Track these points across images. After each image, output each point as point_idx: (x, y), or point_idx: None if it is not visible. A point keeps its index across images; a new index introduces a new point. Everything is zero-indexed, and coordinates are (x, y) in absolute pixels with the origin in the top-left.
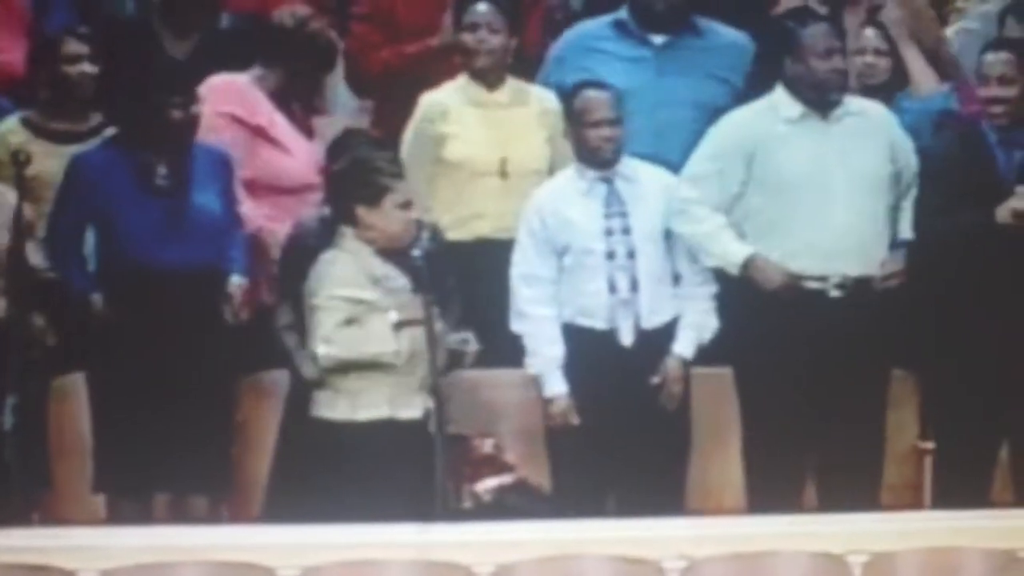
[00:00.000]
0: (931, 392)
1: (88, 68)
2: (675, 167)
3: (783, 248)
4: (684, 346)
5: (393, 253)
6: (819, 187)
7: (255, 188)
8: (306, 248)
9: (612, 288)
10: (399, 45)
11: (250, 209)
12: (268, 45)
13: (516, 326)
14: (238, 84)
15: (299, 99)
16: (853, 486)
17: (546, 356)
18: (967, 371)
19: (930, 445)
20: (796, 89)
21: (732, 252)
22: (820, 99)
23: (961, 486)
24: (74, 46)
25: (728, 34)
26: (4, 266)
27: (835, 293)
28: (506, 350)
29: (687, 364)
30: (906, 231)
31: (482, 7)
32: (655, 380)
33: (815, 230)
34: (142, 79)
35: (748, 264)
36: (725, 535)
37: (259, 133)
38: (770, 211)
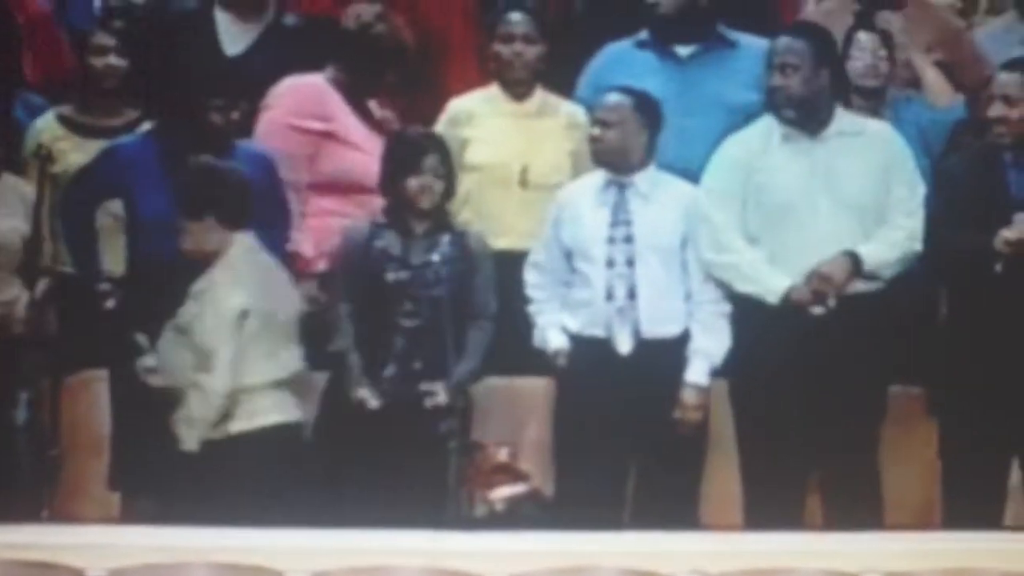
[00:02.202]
0: (939, 410)
1: (114, 60)
2: (699, 175)
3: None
4: (697, 374)
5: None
6: (802, 206)
7: (333, 189)
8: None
9: (609, 295)
10: None
11: (330, 209)
12: (333, 46)
13: (528, 307)
14: (309, 86)
15: (371, 96)
16: (854, 503)
17: (544, 323)
18: (975, 389)
19: None
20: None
21: (771, 284)
22: (779, 116)
23: (970, 506)
24: (101, 38)
25: (761, 46)
26: (21, 261)
27: (816, 310)
28: (525, 359)
29: (703, 390)
30: (875, 250)
31: (516, 17)
32: (675, 415)
33: (797, 249)
34: (187, 78)
35: (788, 294)
36: (739, 551)
37: (328, 137)
38: (761, 229)
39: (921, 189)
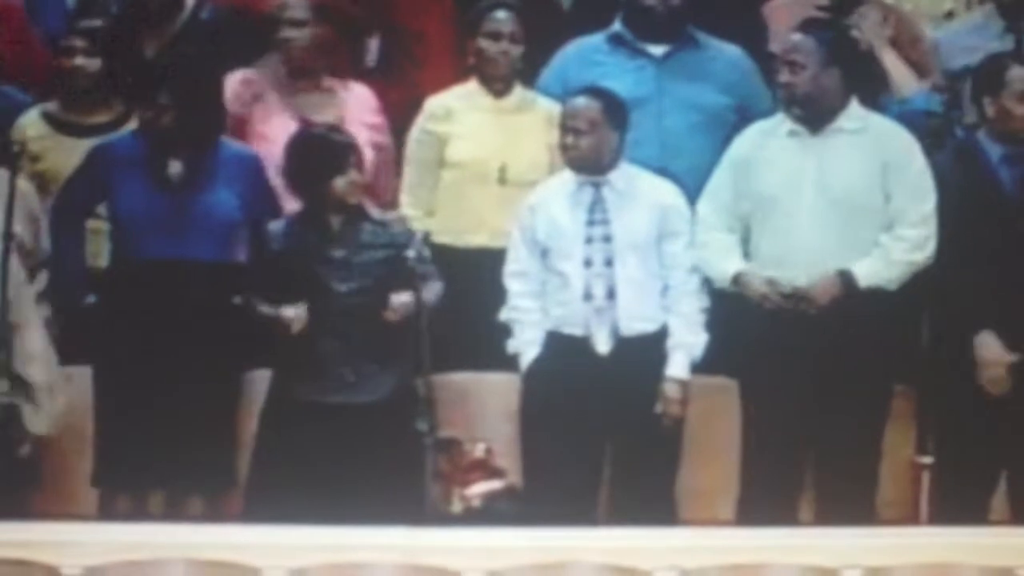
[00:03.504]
0: (932, 409)
1: (82, 61)
2: (679, 174)
3: (756, 258)
4: (678, 368)
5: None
6: (787, 200)
7: None
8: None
9: (587, 295)
10: None
11: None
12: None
13: (504, 315)
14: (236, 77)
15: (298, 86)
16: (849, 500)
17: (523, 338)
18: (968, 388)
19: (927, 460)
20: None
21: (723, 269)
22: (788, 113)
23: (960, 502)
24: (70, 40)
25: (728, 49)
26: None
27: (767, 305)
28: (499, 355)
29: (685, 384)
30: (872, 269)
31: (502, 15)
32: (657, 409)
33: (779, 242)
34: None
35: (736, 280)
36: (718, 546)
37: (241, 125)
38: (750, 220)
39: (931, 195)
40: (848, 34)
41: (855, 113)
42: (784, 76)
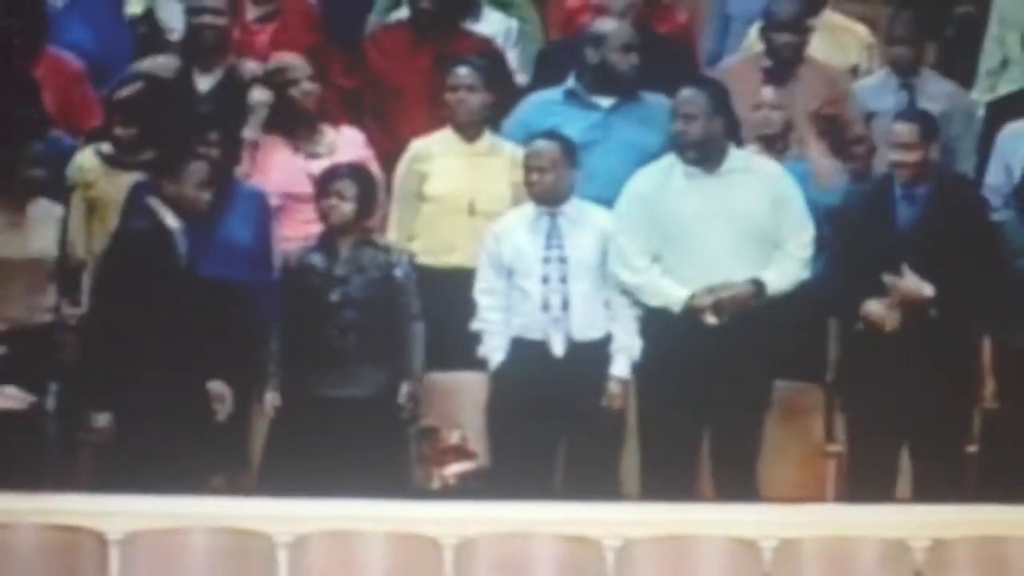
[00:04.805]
0: (841, 402)
1: (121, 132)
2: None
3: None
4: (620, 368)
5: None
6: (699, 232)
7: None
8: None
9: (545, 307)
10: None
11: None
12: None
13: (475, 325)
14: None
15: (290, 125)
16: (737, 480)
17: (491, 345)
18: (870, 384)
19: (833, 448)
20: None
21: (673, 295)
22: (682, 156)
23: (868, 484)
24: (109, 115)
25: (660, 99)
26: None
27: (711, 320)
28: (471, 358)
29: (625, 382)
30: (776, 278)
31: (462, 70)
32: (603, 403)
33: (693, 268)
34: (173, 124)
35: (689, 302)
36: (656, 520)
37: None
38: (662, 251)
39: (810, 226)
40: (724, 88)
41: (737, 154)
42: (679, 125)
